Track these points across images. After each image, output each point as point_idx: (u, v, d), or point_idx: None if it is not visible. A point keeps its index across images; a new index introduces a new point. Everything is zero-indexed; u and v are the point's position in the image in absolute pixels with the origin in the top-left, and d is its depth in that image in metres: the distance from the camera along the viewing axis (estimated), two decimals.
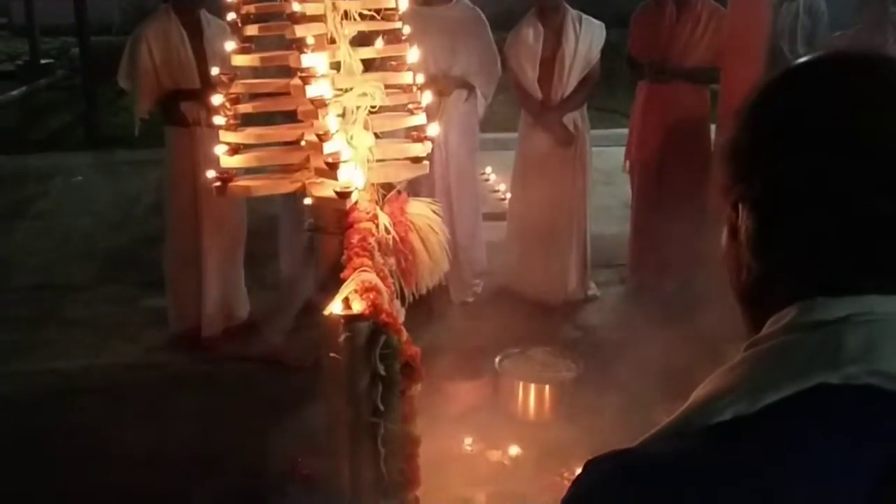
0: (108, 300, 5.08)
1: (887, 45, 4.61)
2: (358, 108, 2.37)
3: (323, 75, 2.26)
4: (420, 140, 2.50)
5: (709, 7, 4.77)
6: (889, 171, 0.72)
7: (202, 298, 4.45)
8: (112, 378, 4.21)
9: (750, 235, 0.79)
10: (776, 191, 0.77)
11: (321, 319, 2.58)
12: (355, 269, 2.23)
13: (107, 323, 4.77)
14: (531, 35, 4.79)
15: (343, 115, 2.37)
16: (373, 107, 2.38)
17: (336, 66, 2.43)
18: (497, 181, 7.08)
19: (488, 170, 7.22)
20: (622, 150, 5.26)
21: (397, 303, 2.47)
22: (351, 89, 2.37)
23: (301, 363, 3.97)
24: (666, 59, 4.77)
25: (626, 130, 5.31)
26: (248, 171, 2.54)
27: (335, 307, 2.15)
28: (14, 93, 11.30)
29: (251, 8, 2.43)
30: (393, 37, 2.47)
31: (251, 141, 2.43)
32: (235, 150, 2.40)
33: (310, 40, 2.26)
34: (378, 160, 2.48)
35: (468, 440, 3.58)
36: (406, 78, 2.48)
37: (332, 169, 2.25)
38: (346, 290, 2.17)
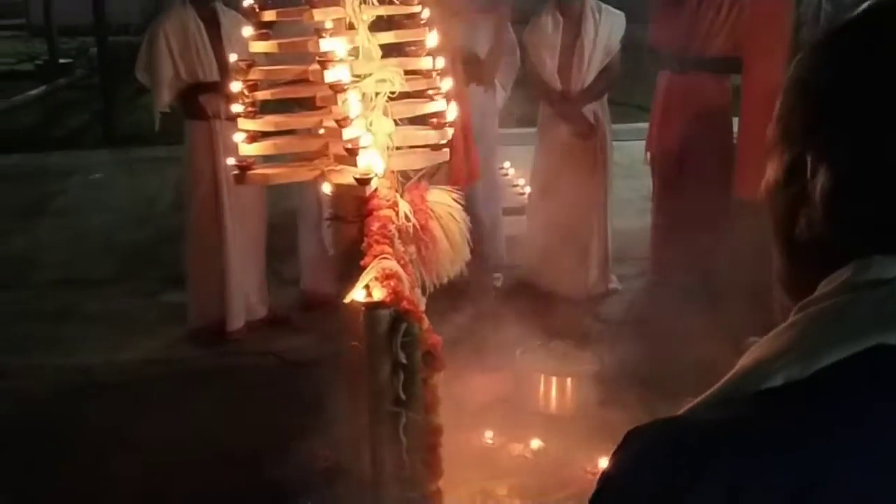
0: (127, 296, 5.08)
1: None
2: (377, 94, 2.33)
3: (341, 60, 2.23)
4: (440, 127, 2.47)
5: None
6: None
7: (226, 293, 4.43)
8: (132, 373, 4.21)
9: (825, 191, 0.72)
10: (869, 152, 0.70)
11: (341, 308, 2.56)
12: (376, 257, 2.20)
13: (126, 318, 4.78)
14: (550, 25, 4.74)
15: (362, 102, 2.34)
16: (392, 93, 2.34)
17: (355, 52, 2.40)
18: (516, 176, 7.05)
19: (507, 164, 7.18)
20: (642, 143, 5.20)
21: (418, 291, 2.44)
22: (370, 75, 2.34)
23: None
24: (687, 48, 4.70)
25: (646, 125, 5.25)
26: (267, 160, 2.52)
27: (356, 295, 2.12)
28: (33, 92, 11.39)
29: None
30: (412, 21, 2.44)
31: (269, 128, 2.41)
32: (254, 137, 2.38)
33: (328, 24, 2.23)
34: (397, 147, 2.45)
35: (489, 433, 3.55)
36: (425, 63, 2.45)
37: (351, 155, 2.22)
38: (366, 277, 2.14)
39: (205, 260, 4.47)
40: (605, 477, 0.74)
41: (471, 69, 4.55)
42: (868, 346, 0.67)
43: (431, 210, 2.49)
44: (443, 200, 2.55)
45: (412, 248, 2.44)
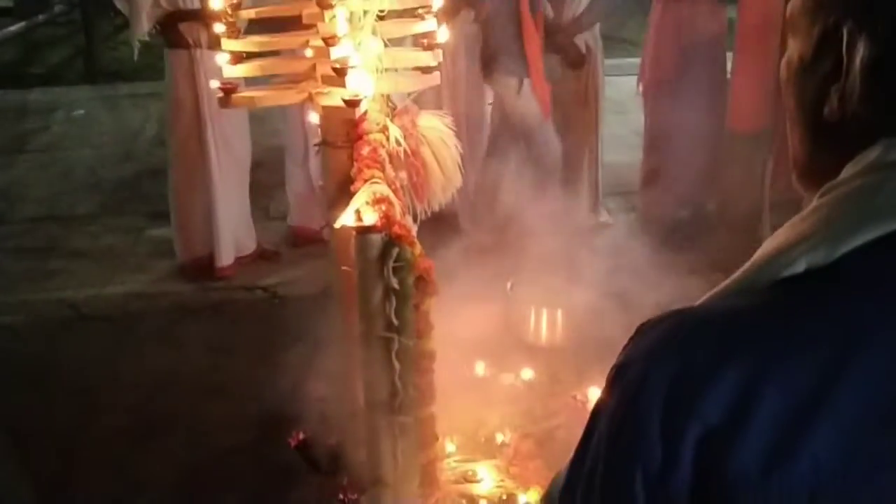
0: (113, 231, 5.03)
1: None
2: (365, 12, 2.25)
3: None
4: (430, 48, 2.39)
5: None
6: None
7: (213, 226, 4.37)
8: (121, 307, 4.18)
9: (865, 63, 0.68)
10: None
11: (332, 233, 2.52)
12: (366, 181, 2.15)
13: (113, 253, 4.73)
14: None
15: (350, 21, 2.26)
16: (381, 11, 2.26)
17: None
18: None
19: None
20: (634, 79, 5.13)
21: (409, 219, 2.39)
22: None
23: None
24: None
25: (637, 60, 5.17)
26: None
27: (346, 219, 2.08)
28: (12, 28, 11.12)
29: None
30: None
31: (254, 49, 2.33)
32: (238, 58, 2.30)
33: None
34: (387, 69, 2.38)
35: (480, 365, 3.54)
36: None
37: (339, 75, 2.15)
38: (357, 201, 2.10)
39: (190, 193, 4.40)
40: (619, 366, 0.72)
41: None
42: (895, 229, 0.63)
43: (422, 135, 2.43)
44: (434, 125, 2.49)
45: (403, 174, 2.39)
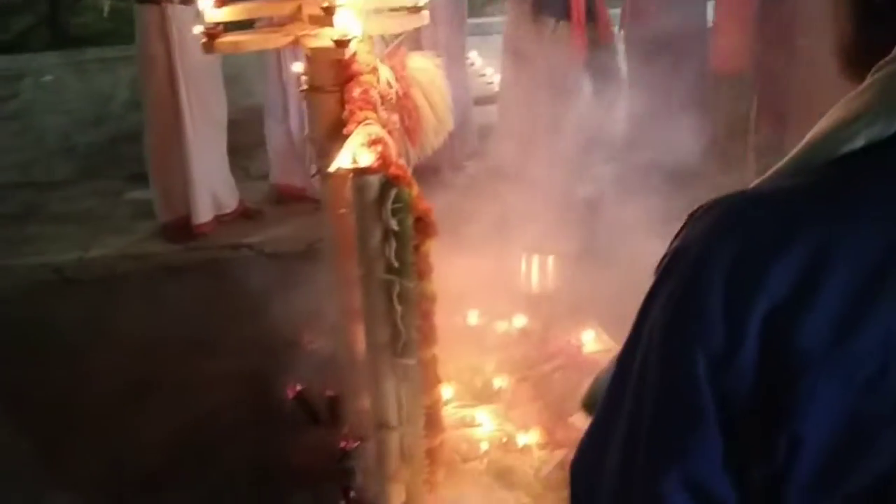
0: (92, 195, 4.95)
1: None
2: None
3: None
4: None
5: None
6: None
7: (189, 186, 4.31)
8: (104, 269, 4.13)
9: None
10: None
11: (326, 178, 2.48)
12: (359, 123, 2.11)
13: (93, 216, 4.66)
14: None
15: None
16: None
17: None
18: (483, 66, 6.90)
19: (473, 54, 7.01)
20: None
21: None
22: None
23: None
24: None
25: (618, 10, 5.12)
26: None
27: (342, 161, 2.04)
28: None
29: None
30: None
31: None
32: (222, 1, 2.23)
33: None
34: (374, 9, 2.33)
35: (473, 313, 3.54)
36: None
37: (327, 14, 2.10)
38: (352, 143, 2.06)
39: (166, 151, 4.32)
40: (676, 249, 0.70)
41: None
42: None
43: (413, 77, 2.38)
44: (424, 67, 2.45)
45: (395, 118, 2.35)
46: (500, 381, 3.11)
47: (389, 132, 2.20)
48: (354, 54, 2.24)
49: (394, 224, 2.05)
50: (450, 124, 2.53)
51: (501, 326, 3.47)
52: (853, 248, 0.62)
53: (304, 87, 2.47)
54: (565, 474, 2.64)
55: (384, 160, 2.03)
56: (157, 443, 2.95)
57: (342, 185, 2.18)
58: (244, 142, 5.17)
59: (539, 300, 3.68)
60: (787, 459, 0.64)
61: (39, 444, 2.98)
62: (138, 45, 4.33)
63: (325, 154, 2.42)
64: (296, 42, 2.31)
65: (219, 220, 4.49)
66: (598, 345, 3.37)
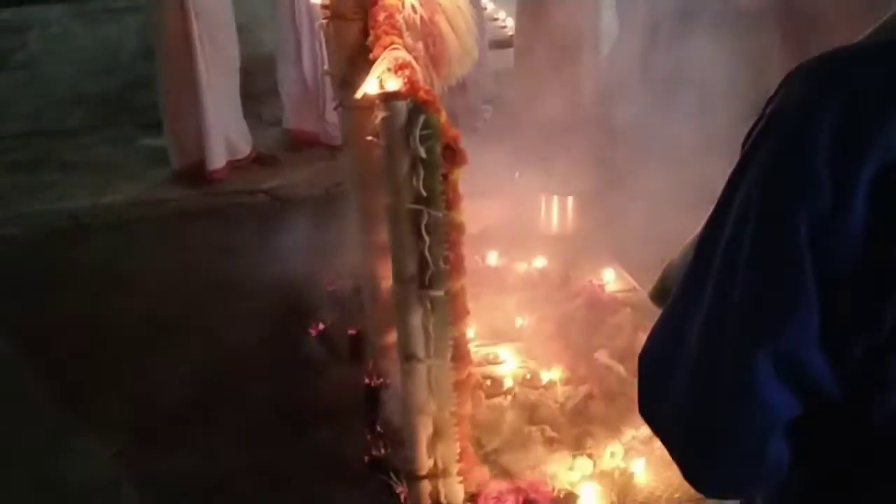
0: (105, 142, 4.90)
1: None
2: None
3: None
4: None
5: None
6: None
7: (203, 130, 4.26)
8: (120, 215, 4.10)
9: None
10: None
11: (348, 110, 2.45)
12: (385, 48, 2.06)
13: (107, 163, 4.62)
14: None
15: None
16: None
17: None
18: (496, 9, 6.79)
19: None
20: None
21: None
22: None
23: None
24: None
25: None
26: None
27: (369, 87, 2.00)
28: None
29: None
30: None
31: None
32: None
33: None
34: None
35: (493, 254, 3.51)
36: None
37: None
38: (378, 68, 2.01)
39: (180, 95, 4.25)
40: (773, 112, 0.66)
41: None
42: None
43: (437, 3, 2.33)
44: None
45: (420, 45, 2.30)
46: (521, 320, 3.10)
47: (417, 58, 2.15)
48: None
49: (422, 152, 2.01)
50: (475, 53, 2.48)
51: (521, 268, 3.44)
52: None
53: (325, 17, 2.43)
54: (590, 408, 2.62)
55: (412, 85, 1.98)
56: (180, 383, 2.94)
57: (366, 115, 2.13)
58: (256, 89, 5.10)
59: (559, 241, 3.65)
60: (894, 329, 0.61)
61: (62, 388, 2.98)
62: None
63: (347, 86, 2.38)
64: None
65: (233, 165, 4.45)
66: (619, 284, 3.35)
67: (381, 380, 2.64)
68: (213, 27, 4.20)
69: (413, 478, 2.28)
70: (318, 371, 2.91)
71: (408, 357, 2.20)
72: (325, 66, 3.34)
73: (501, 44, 5.68)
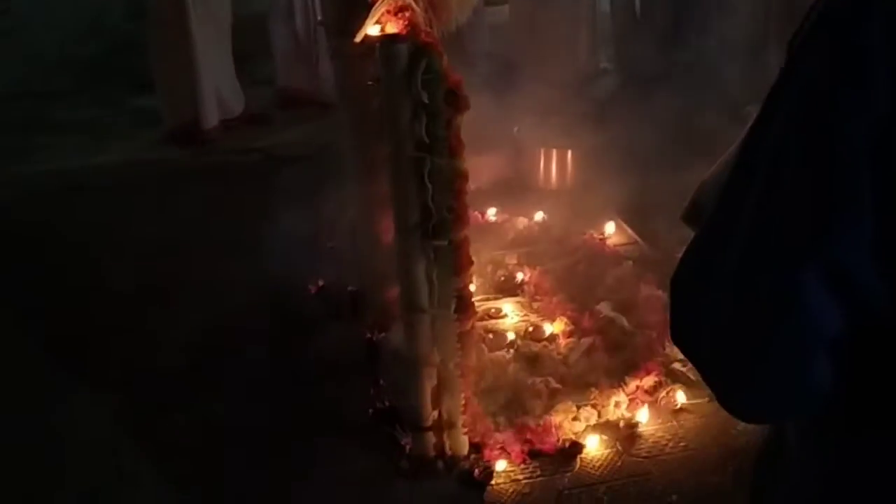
0: (94, 104, 4.84)
1: None
2: None
3: None
4: None
5: None
6: None
7: (196, 89, 4.19)
8: (113, 175, 4.05)
9: None
10: None
11: (344, 58, 2.39)
12: None
13: (98, 124, 4.57)
14: None
15: None
16: None
17: None
18: None
19: None
20: None
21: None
22: None
23: None
24: None
25: None
26: None
27: (369, 30, 1.94)
28: None
29: None
30: None
31: None
32: None
33: None
34: None
35: (492, 210, 3.48)
36: None
37: None
38: (378, 11, 1.96)
39: (171, 54, 4.19)
40: (819, 16, 0.61)
41: None
42: None
43: None
44: None
45: None
46: (522, 274, 3.07)
47: (415, 2, 2.10)
48: None
49: (424, 97, 1.96)
50: None
51: (521, 223, 3.41)
52: None
53: None
54: (594, 360, 2.57)
55: (413, 27, 1.93)
56: (178, 343, 2.90)
57: (363, 64, 2.08)
58: (247, 48, 5.02)
59: (558, 195, 3.61)
60: None
61: (61, 348, 2.94)
62: None
63: (342, 34, 2.32)
64: None
65: (225, 124, 4.39)
66: (620, 237, 3.32)
67: (382, 335, 2.61)
68: None
69: (418, 429, 2.26)
70: (318, 328, 2.87)
71: (411, 308, 2.17)
72: (319, 18, 3.27)
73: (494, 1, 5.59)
